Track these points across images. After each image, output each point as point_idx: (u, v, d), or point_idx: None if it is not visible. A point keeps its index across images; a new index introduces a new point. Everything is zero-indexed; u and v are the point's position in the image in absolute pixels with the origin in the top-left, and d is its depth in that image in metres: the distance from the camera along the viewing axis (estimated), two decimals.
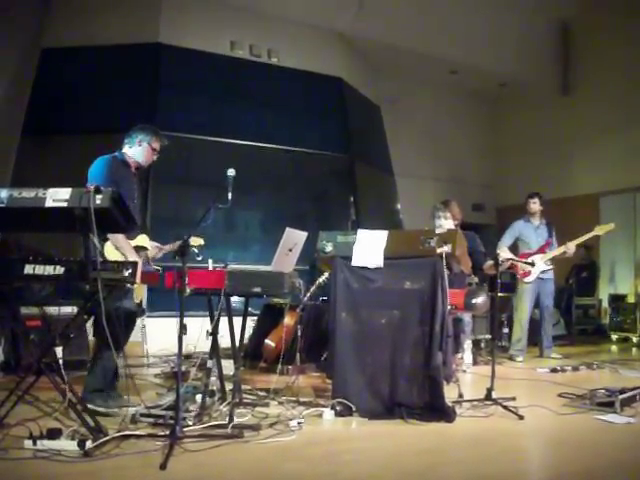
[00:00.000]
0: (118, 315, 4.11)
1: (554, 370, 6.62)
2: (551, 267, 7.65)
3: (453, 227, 5.43)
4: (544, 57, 12.20)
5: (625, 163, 11.02)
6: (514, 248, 7.74)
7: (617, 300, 10.45)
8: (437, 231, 4.55)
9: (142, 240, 4.50)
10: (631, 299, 10.35)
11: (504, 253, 7.23)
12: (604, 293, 11.24)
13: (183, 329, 3.60)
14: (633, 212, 11.15)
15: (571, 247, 7.40)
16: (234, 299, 4.70)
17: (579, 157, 11.94)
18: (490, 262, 5.23)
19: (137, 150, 4.63)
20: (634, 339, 9.75)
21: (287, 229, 4.46)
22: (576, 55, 12.20)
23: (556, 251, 7.53)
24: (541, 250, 7.58)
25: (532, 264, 7.18)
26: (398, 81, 12.15)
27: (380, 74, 11.96)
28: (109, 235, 4.19)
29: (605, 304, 10.91)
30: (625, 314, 10.05)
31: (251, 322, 6.87)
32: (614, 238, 9.77)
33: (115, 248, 4.23)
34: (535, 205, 7.73)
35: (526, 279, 7.57)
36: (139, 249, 4.42)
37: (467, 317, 6.94)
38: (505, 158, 13.63)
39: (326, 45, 10.49)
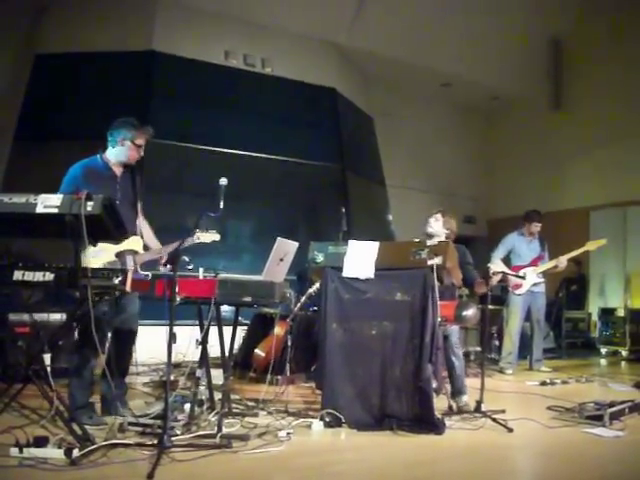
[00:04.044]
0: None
1: (543, 383, 6.62)
2: (543, 280, 7.68)
3: (442, 230, 5.36)
4: (536, 72, 12.29)
5: (616, 177, 11.09)
6: (506, 261, 7.75)
7: (607, 314, 10.47)
8: (428, 233, 4.66)
9: (133, 243, 4.38)
10: (620, 313, 10.36)
11: (495, 266, 7.24)
12: (594, 307, 11.27)
13: (173, 338, 3.58)
14: (623, 226, 11.21)
15: (563, 261, 7.43)
16: (224, 308, 4.68)
17: (570, 171, 12.02)
18: (480, 281, 5.21)
19: (120, 149, 4.42)
20: (623, 353, 9.78)
21: (278, 239, 4.46)
22: (567, 70, 12.28)
23: (548, 265, 7.56)
24: (533, 263, 7.60)
25: (523, 277, 7.20)
26: (391, 93, 12.22)
27: (373, 85, 12.00)
28: None
29: (595, 317, 10.92)
30: (614, 328, 10.06)
31: (241, 332, 6.84)
32: (604, 252, 9.80)
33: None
34: (537, 228, 7.74)
35: (517, 291, 7.58)
36: (128, 252, 4.33)
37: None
38: (496, 171, 13.70)
39: (320, 56, 10.53)
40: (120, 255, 4.22)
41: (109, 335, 4.38)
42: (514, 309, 7.64)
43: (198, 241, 4.45)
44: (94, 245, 3.71)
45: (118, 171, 4.51)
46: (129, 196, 4.51)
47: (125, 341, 4.49)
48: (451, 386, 5.12)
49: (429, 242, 4.56)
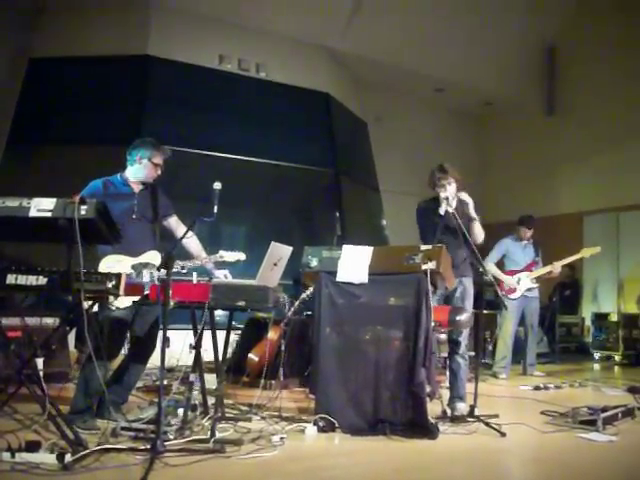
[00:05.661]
0: (103, 325, 4.08)
1: (537, 388, 6.64)
2: (537, 285, 7.70)
3: (454, 193, 5.32)
4: (529, 77, 12.34)
5: (609, 183, 11.14)
6: (500, 265, 7.77)
7: (600, 318, 10.49)
8: (442, 195, 4.94)
9: (152, 256, 4.37)
10: (614, 317, 10.40)
11: (492, 269, 7.29)
12: (587, 311, 11.31)
13: (166, 342, 3.57)
14: (616, 231, 11.25)
15: (557, 267, 7.50)
16: (218, 313, 4.67)
17: (563, 176, 12.06)
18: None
19: (137, 167, 4.47)
20: (616, 357, 9.80)
21: (272, 243, 4.45)
22: (561, 76, 12.32)
23: (542, 270, 7.59)
24: (527, 268, 7.63)
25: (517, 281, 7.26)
26: (385, 98, 12.24)
27: (367, 91, 12.02)
28: None
29: (588, 322, 10.95)
30: (608, 332, 10.08)
31: (235, 336, 6.83)
32: (597, 257, 9.82)
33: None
34: (527, 234, 7.75)
35: (511, 296, 7.59)
36: (145, 265, 4.32)
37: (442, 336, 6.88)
38: (491, 176, 13.71)
39: (314, 60, 10.55)
40: (136, 267, 4.23)
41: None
42: (508, 314, 7.63)
43: (221, 260, 4.49)
44: (87, 249, 3.70)
45: (137, 189, 4.53)
46: (147, 213, 4.51)
47: (138, 353, 4.48)
48: (451, 390, 5.12)
49: (444, 194, 4.89)
